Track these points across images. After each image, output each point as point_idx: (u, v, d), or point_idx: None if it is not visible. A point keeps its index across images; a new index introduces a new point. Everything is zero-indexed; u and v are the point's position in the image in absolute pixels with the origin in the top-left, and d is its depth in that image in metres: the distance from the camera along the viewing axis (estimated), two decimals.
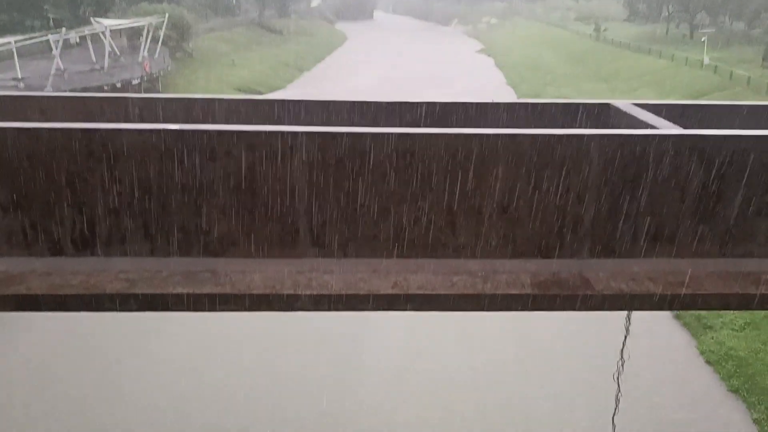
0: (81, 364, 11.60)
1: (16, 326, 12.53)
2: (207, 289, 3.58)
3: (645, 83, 40.94)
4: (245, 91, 37.89)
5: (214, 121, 4.75)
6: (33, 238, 3.61)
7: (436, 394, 10.95)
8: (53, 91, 26.61)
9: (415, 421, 10.28)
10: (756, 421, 10.36)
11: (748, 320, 13.18)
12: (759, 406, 10.63)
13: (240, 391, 10.90)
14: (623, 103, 4.75)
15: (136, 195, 3.51)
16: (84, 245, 3.63)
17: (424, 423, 10.26)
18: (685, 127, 3.94)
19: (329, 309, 3.67)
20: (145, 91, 32.14)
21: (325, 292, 3.62)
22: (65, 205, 3.53)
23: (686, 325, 13.40)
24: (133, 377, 11.24)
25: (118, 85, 32.12)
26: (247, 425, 10.12)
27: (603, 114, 4.90)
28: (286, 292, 3.60)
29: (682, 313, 13.58)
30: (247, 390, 10.94)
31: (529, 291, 3.60)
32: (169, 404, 10.57)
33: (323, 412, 10.46)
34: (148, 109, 4.82)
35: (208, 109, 4.80)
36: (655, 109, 4.60)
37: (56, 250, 3.64)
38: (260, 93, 34.94)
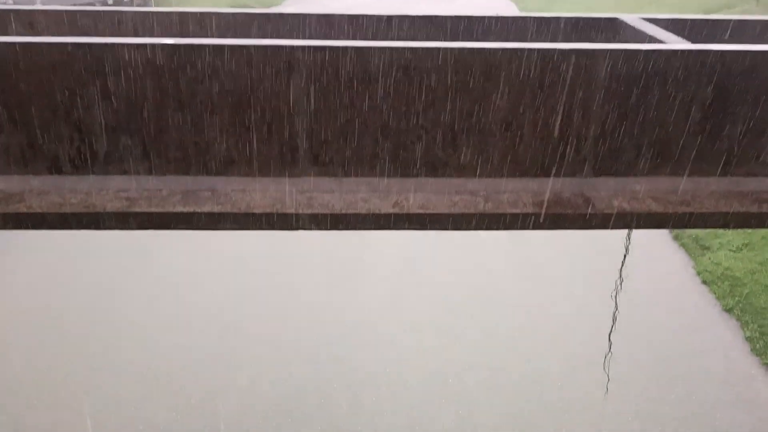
0: (79, 286, 11.77)
1: (14, 247, 12.66)
2: (207, 208, 3.57)
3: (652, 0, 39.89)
4: (240, 7, 36.90)
5: (210, 36, 4.63)
6: (30, 156, 3.58)
7: (434, 312, 11.16)
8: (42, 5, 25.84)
9: (412, 338, 10.52)
10: (748, 339, 10.60)
11: (746, 241, 13.29)
12: (752, 325, 10.85)
13: (239, 310, 11.11)
14: (631, 18, 4.61)
15: (133, 112, 3.45)
16: (82, 164, 3.60)
17: (421, 340, 10.50)
18: (694, 42, 3.83)
19: (330, 228, 3.67)
20: (138, 6, 31.29)
21: (325, 211, 3.61)
22: (61, 122, 3.47)
23: (684, 246, 13.52)
24: (132, 297, 11.43)
25: (110, 1, 31.26)
26: (244, 343, 10.36)
27: (610, 28, 4.76)
28: (286, 211, 3.59)
29: (680, 234, 13.69)
30: (247, 309, 11.15)
31: (530, 210, 3.59)
32: (169, 323, 10.79)
33: (322, 331, 10.69)
34: (142, 24, 4.68)
35: (203, 23, 4.66)
36: (664, 23, 4.46)
37: (54, 169, 3.61)
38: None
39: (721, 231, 13.49)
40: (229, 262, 12.42)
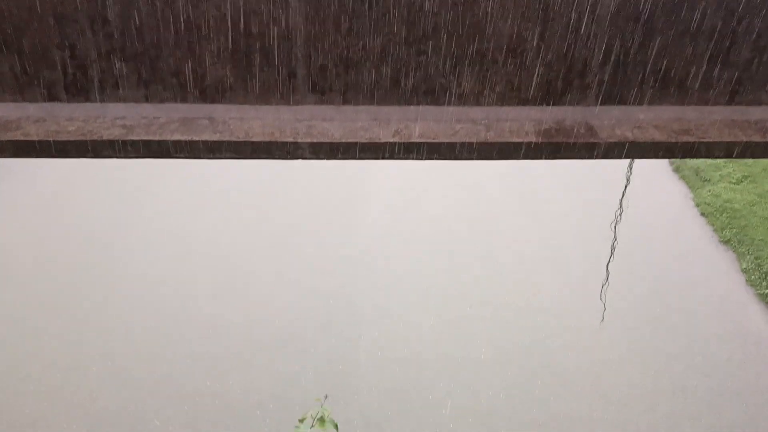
0: (78, 213, 11.80)
1: (14, 176, 12.63)
2: (205, 136, 3.54)
3: None
4: None
5: None
6: (24, 82, 3.52)
7: (433, 241, 11.24)
8: None
9: (413, 266, 10.62)
10: (744, 271, 10.71)
11: (746, 173, 13.27)
12: (748, 257, 10.94)
13: (238, 242, 11.17)
14: None
15: (128, 37, 3.37)
16: (78, 90, 3.54)
17: (420, 268, 10.61)
18: None
19: (329, 158, 3.64)
20: None
21: (325, 140, 3.57)
22: (55, 47, 3.41)
23: (684, 178, 13.51)
24: (131, 226, 11.47)
25: None
26: (243, 276, 10.46)
27: None
28: (285, 139, 3.56)
29: (681, 166, 13.65)
30: (245, 241, 11.21)
31: (532, 139, 3.55)
32: (169, 253, 10.87)
33: (321, 263, 10.77)
34: None
35: None
36: None
37: (49, 96, 3.56)
38: None
39: (722, 163, 13.44)
40: (226, 193, 12.41)
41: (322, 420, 2.54)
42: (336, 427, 2.57)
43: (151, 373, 8.57)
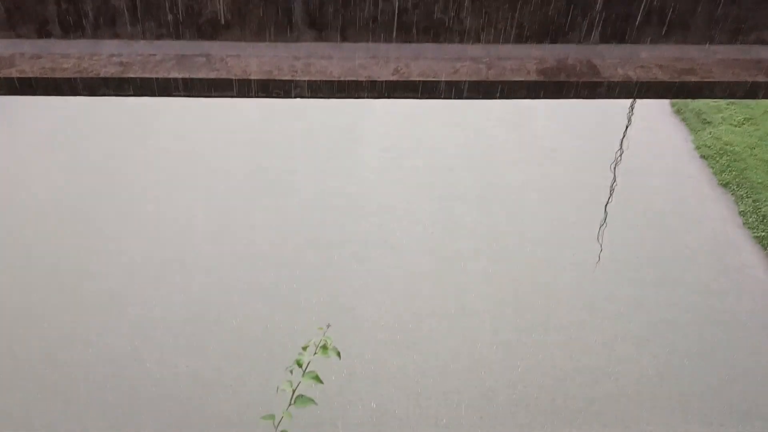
0: (78, 153, 11.75)
1: (14, 113, 12.52)
2: (202, 74, 3.50)
3: None
4: None
5: None
6: (18, 18, 3.45)
7: (432, 178, 11.23)
8: None
9: (410, 206, 10.65)
10: (741, 213, 10.75)
11: (747, 116, 13.17)
12: (746, 200, 10.96)
13: (238, 176, 11.16)
14: None
15: None
16: (73, 26, 3.48)
17: (417, 208, 10.64)
18: None
19: (328, 96, 3.61)
20: None
21: (323, 78, 3.53)
22: None
23: (685, 120, 13.41)
24: (131, 165, 11.44)
25: None
26: (242, 210, 10.49)
27: None
28: (283, 77, 3.52)
29: (682, 108, 13.53)
30: (245, 176, 11.20)
31: (534, 78, 3.51)
32: (168, 192, 10.87)
33: (321, 198, 10.78)
34: None
35: None
36: None
37: (44, 32, 3.50)
38: None
39: (723, 105, 13.32)
40: (223, 133, 12.33)
41: (324, 348, 2.61)
42: (338, 354, 2.64)
43: (154, 304, 8.69)
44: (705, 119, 13.31)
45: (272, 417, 2.55)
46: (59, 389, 7.68)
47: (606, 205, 6.29)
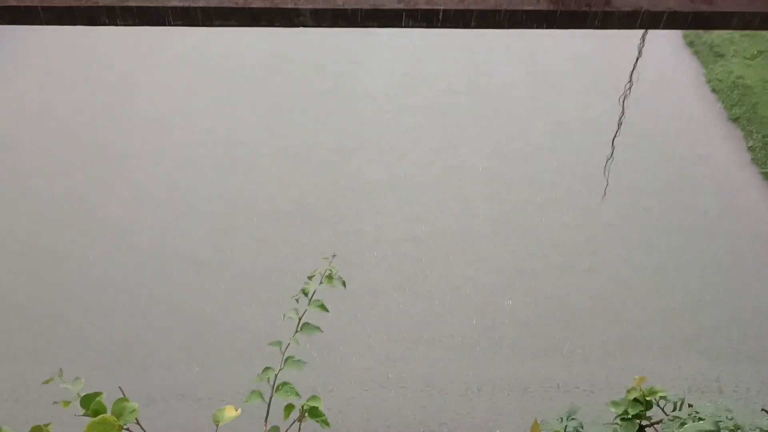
0: (82, 82, 11.65)
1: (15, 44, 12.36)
2: (203, 2, 3.42)
3: None
4: None
5: None
6: None
7: (437, 112, 11.14)
8: None
9: (416, 138, 10.59)
10: (750, 149, 10.66)
11: (761, 48, 12.88)
12: (756, 135, 10.85)
13: (242, 107, 11.09)
14: None
15: None
16: None
17: (422, 145, 10.58)
18: None
19: (332, 25, 3.54)
20: None
21: (327, 6, 3.45)
22: None
23: (697, 53, 13.14)
24: (134, 95, 11.36)
25: None
26: (245, 146, 10.46)
27: None
28: (286, 5, 3.44)
29: (694, 40, 13.24)
30: (249, 107, 11.12)
31: (545, 7, 3.42)
32: (169, 127, 10.82)
33: (325, 128, 10.72)
34: None
35: None
36: None
37: None
38: None
39: (737, 37, 13.01)
40: (225, 67, 12.17)
41: (330, 277, 2.63)
42: (344, 284, 2.66)
43: (159, 242, 8.77)
44: (717, 52, 13.04)
45: (279, 343, 2.60)
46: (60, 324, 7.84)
47: (613, 139, 6.21)
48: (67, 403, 2.18)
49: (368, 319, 7.88)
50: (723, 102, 11.77)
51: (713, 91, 12.09)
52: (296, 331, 2.63)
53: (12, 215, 9.14)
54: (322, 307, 2.67)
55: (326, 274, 2.67)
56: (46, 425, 2.02)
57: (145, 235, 8.89)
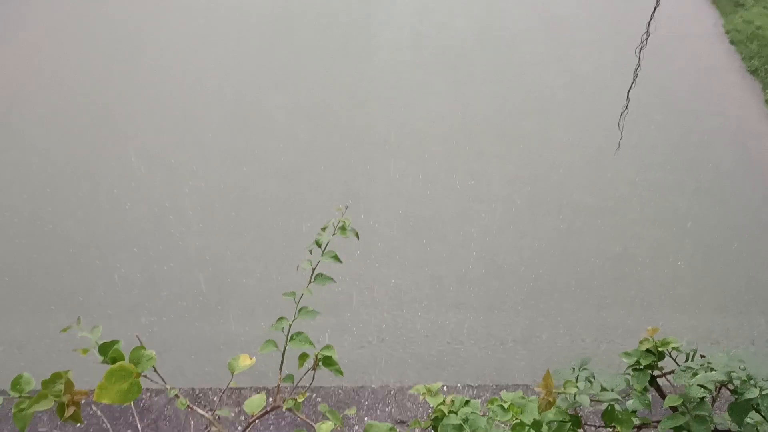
0: (87, 40, 11.57)
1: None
2: None
3: None
4: None
5: None
6: None
7: (447, 61, 11.00)
8: None
9: (423, 90, 10.49)
10: (767, 102, 10.48)
11: None
12: None
13: (251, 61, 10.99)
14: None
15: None
16: None
17: (431, 90, 10.47)
18: None
19: None
20: None
21: None
22: None
23: (716, 2, 12.84)
24: (142, 51, 11.27)
25: None
26: (255, 94, 10.39)
27: None
28: None
29: None
30: (258, 61, 11.02)
31: None
32: (180, 83, 10.75)
33: (335, 83, 10.63)
34: None
35: None
36: None
37: None
38: None
39: None
40: (237, 20, 12.02)
41: (343, 228, 2.64)
42: (357, 235, 2.66)
43: (171, 197, 8.79)
44: (737, 1, 12.74)
45: (293, 294, 2.62)
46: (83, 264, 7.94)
47: (629, 91, 6.13)
48: (86, 350, 2.21)
49: (378, 272, 7.93)
50: (741, 53, 11.55)
51: (731, 41, 11.85)
52: (310, 282, 2.65)
53: (20, 169, 9.17)
54: (336, 258, 2.68)
55: (339, 225, 2.67)
56: (66, 372, 2.05)
57: (156, 189, 8.90)
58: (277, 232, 8.35)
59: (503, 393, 2.78)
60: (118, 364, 2.02)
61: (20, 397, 2.04)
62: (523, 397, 2.75)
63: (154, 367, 2.15)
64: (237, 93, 10.49)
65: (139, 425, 6.13)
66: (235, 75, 10.83)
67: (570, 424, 2.67)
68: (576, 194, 8.93)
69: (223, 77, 10.77)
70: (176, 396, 2.57)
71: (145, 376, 2.15)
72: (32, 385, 2.09)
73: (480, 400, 4.65)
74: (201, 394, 6.69)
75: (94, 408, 5.72)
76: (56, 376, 2.05)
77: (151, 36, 11.58)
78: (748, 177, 9.28)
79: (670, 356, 2.80)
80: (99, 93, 10.43)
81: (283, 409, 2.52)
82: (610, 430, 2.78)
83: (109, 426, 6.03)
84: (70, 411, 2.04)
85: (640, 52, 5.79)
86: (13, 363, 6.90)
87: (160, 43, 11.45)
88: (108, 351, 2.16)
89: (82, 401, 2.07)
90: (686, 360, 2.74)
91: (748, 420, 2.52)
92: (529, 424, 2.64)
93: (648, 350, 2.75)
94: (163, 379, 2.36)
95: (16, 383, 2.08)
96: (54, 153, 9.38)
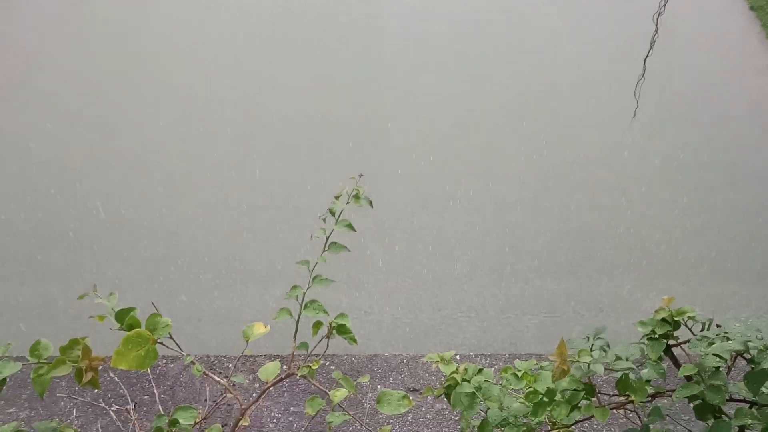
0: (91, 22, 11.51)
1: None
2: None
3: None
4: None
5: None
6: None
7: (458, 35, 10.87)
8: None
9: (435, 64, 10.39)
10: None
11: None
12: None
13: (258, 38, 10.92)
14: None
15: None
16: None
17: (442, 64, 10.37)
18: None
19: None
20: None
21: None
22: None
23: None
24: (146, 30, 11.21)
25: None
26: (259, 81, 10.34)
27: None
28: None
29: None
30: (263, 39, 10.95)
31: None
32: (187, 68, 10.70)
33: (341, 74, 10.55)
34: None
35: None
36: None
37: None
38: None
39: None
40: (237, 17, 11.92)
41: (356, 197, 2.62)
42: (371, 203, 2.65)
43: (182, 167, 8.82)
44: None
45: (307, 263, 2.62)
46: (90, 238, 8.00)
47: (645, 59, 6.03)
48: (102, 317, 2.23)
49: (391, 240, 7.94)
50: (761, 20, 11.32)
51: (751, 8, 11.61)
52: (324, 250, 2.65)
53: (29, 147, 9.21)
54: (350, 226, 2.67)
55: (353, 193, 2.66)
56: (83, 338, 2.07)
57: (168, 159, 8.92)
58: (291, 199, 8.37)
59: (517, 362, 2.79)
60: (134, 330, 2.04)
61: (39, 362, 2.07)
62: (538, 365, 2.75)
63: (170, 334, 2.17)
64: (246, 71, 10.43)
65: (156, 391, 6.23)
66: (243, 54, 10.75)
67: (584, 392, 2.67)
68: (587, 164, 8.85)
69: (230, 55, 10.70)
70: (192, 363, 2.60)
71: (162, 343, 2.17)
72: (50, 351, 2.12)
73: (493, 369, 4.67)
74: (216, 362, 6.77)
75: (111, 374, 5.80)
76: (74, 342, 2.07)
77: (151, 36, 11.49)
78: (765, 152, 9.15)
79: (686, 326, 2.78)
80: (99, 72, 10.41)
81: (297, 377, 2.54)
82: (624, 398, 2.78)
83: (126, 391, 6.12)
84: (88, 376, 2.06)
85: (657, 19, 5.69)
86: (33, 330, 7.01)
87: (160, 43, 11.36)
88: (125, 318, 2.17)
89: (100, 367, 2.10)
90: (702, 330, 2.72)
91: (763, 389, 2.51)
92: (543, 392, 2.65)
93: (663, 319, 2.73)
94: (179, 346, 2.38)
95: (35, 349, 2.11)
96: (59, 124, 9.41)
